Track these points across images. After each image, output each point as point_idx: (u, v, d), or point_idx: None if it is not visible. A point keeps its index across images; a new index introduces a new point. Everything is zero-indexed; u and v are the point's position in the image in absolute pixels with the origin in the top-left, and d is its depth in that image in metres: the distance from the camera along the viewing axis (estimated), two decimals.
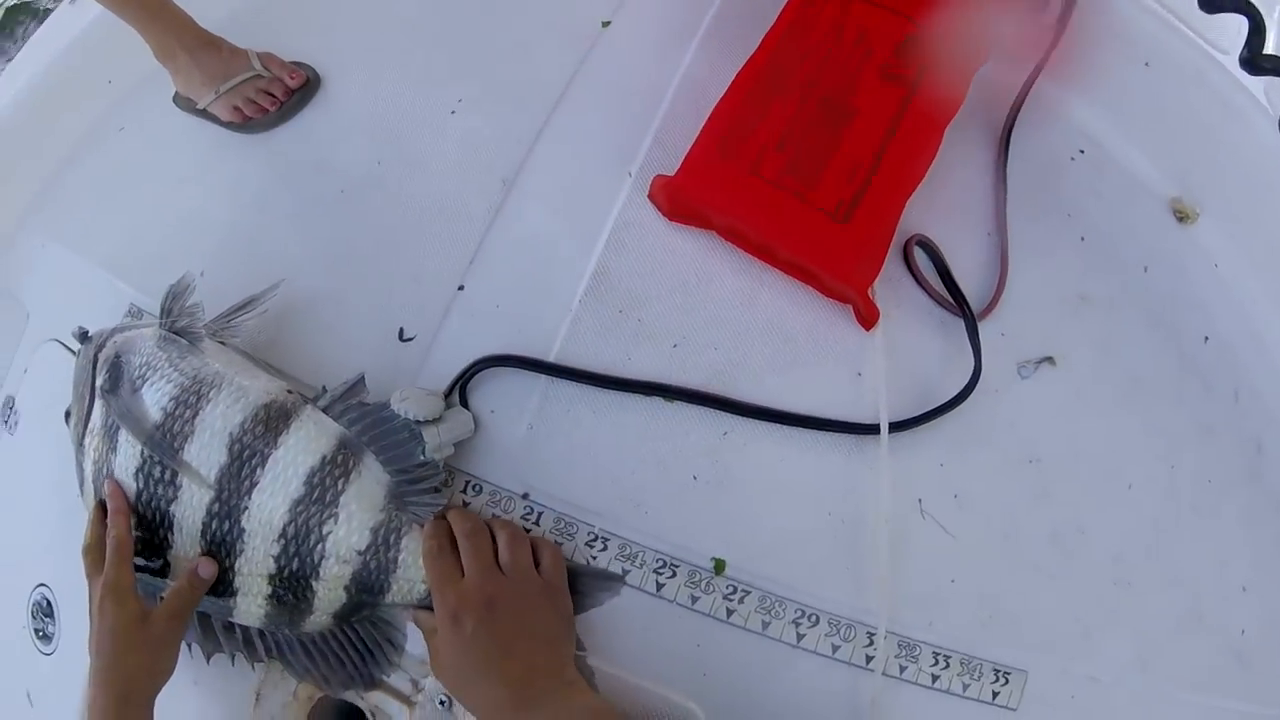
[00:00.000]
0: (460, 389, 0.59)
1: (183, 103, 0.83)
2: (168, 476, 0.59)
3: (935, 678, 0.52)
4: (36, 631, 0.75)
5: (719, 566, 0.54)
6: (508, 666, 0.47)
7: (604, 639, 0.54)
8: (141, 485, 0.60)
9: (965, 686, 0.52)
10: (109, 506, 0.59)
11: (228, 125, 0.80)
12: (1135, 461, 0.60)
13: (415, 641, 0.57)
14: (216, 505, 0.58)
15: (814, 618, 0.53)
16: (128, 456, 0.61)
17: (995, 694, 0.53)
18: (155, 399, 0.61)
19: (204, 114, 0.82)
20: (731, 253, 0.60)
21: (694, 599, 0.54)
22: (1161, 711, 0.54)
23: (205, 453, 0.58)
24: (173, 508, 0.59)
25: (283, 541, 0.57)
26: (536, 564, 0.52)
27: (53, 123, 0.91)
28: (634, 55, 0.69)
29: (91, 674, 0.55)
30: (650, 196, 0.61)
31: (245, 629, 0.61)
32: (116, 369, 0.65)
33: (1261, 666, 0.55)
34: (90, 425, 0.65)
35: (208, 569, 0.57)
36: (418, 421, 0.57)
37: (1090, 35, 0.67)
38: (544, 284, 0.62)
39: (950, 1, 0.59)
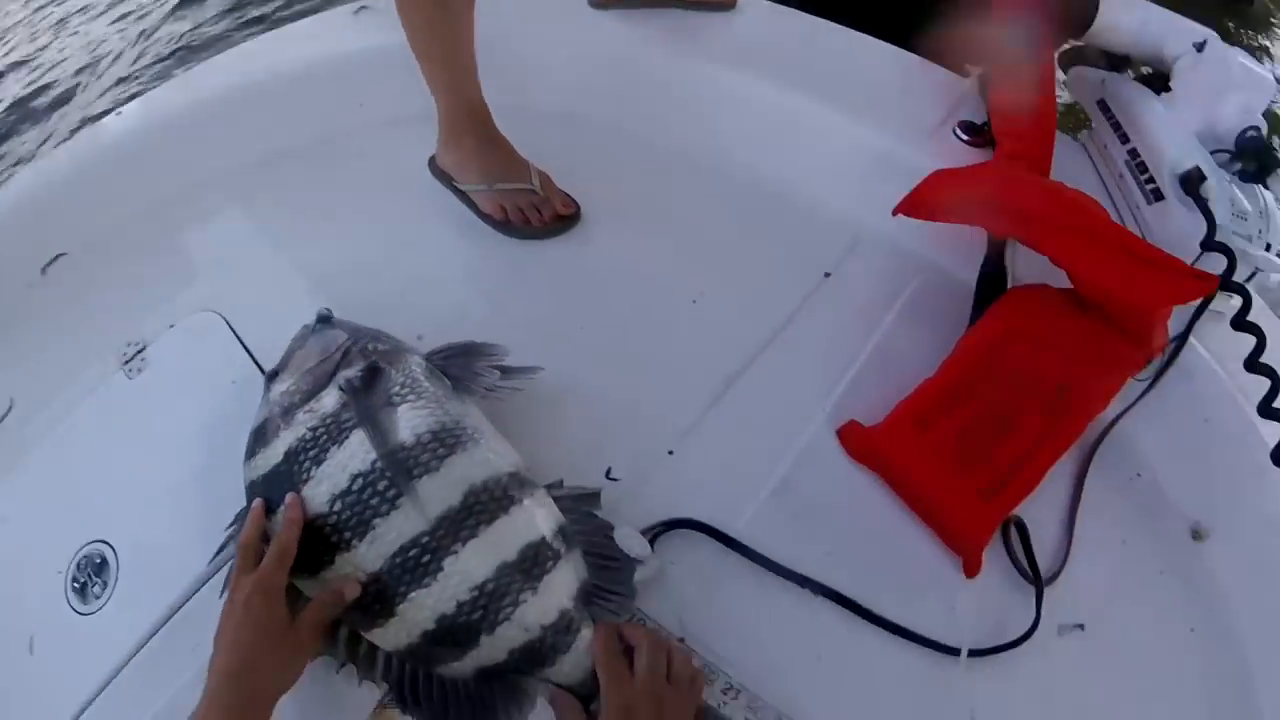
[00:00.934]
0: (652, 537, 0.73)
1: (440, 175, 0.95)
2: (390, 494, 0.63)
3: None
4: (74, 582, 0.79)
5: None
6: None
7: None
8: (355, 489, 0.64)
9: None
10: (286, 515, 0.62)
11: (482, 216, 0.94)
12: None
13: None
14: (426, 539, 0.63)
15: None
16: (353, 457, 0.65)
17: None
18: (410, 422, 0.66)
19: (458, 193, 0.94)
20: (888, 496, 0.80)
21: None
22: None
23: (441, 491, 0.64)
24: (377, 520, 0.63)
25: (476, 593, 0.62)
26: None
27: (297, 117, 1.06)
28: (844, 308, 0.89)
29: (221, 668, 0.56)
30: (839, 433, 0.81)
31: (371, 646, 0.65)
32: (375, 373, 0.70)
33: None
34: (311, 405, 0.69)
35: (353, 591, 0.61)
36: (631, 557, 0.69)
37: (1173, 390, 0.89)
38: (740, 473, 0.78)
39: (1099, 367, 0.80)
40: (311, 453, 0.67)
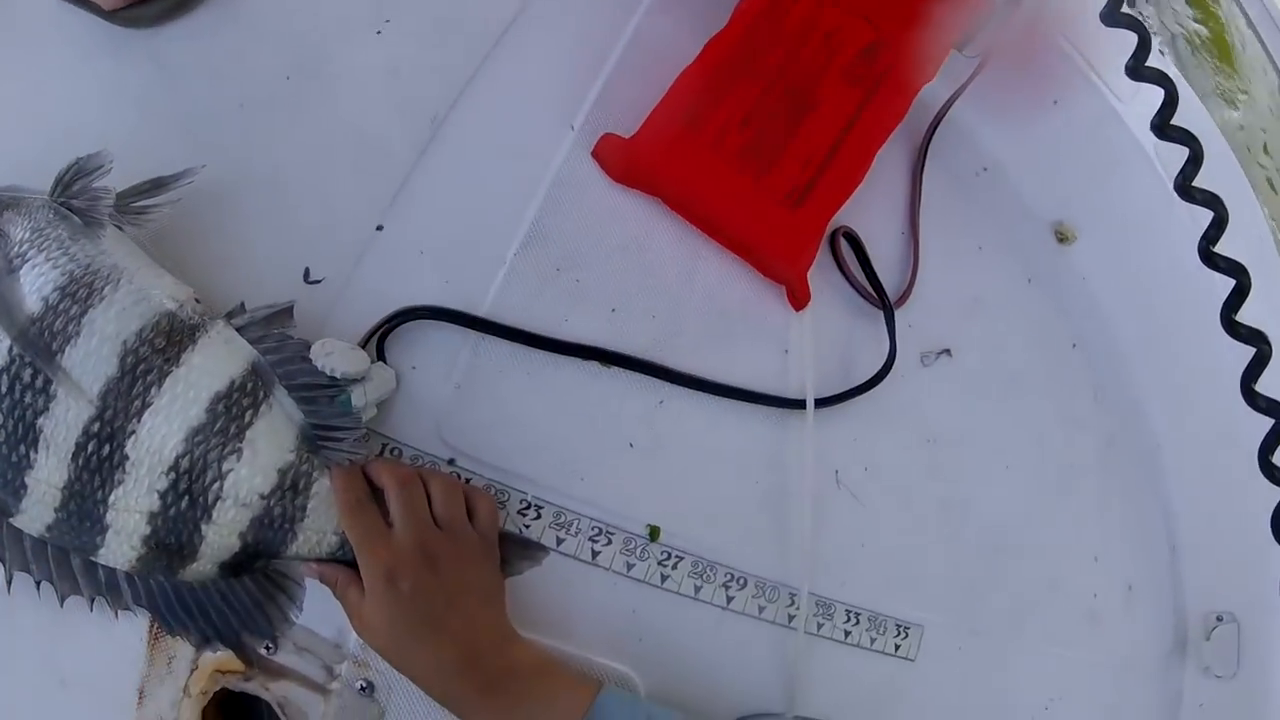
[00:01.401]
0: (378, 341, 0.55)
1: None
2: (39, 383, 0.51)
3: (848, 633, 0.57)
4: None
5: (654, 533, 0.55)
6: (452, 625, 0.46)
7: (540, 609, 0.53)
8: (4, 390, 0.51)
9: (873, 640, 0.58)
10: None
11: (105, 16, 0.68)
12: (1012, 446, 0.69)
13: (326, 623, 0.53)
14: (97, 425, 0.51)
15: (743, 581, 0.55)
16: None
17: (897, 646, 0.58)
18: (36, 285, 0.52)
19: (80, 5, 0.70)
20: (674, 222, 0.60)
21: (629, 566, 0.54)
22: (1030, 663, 0.61)
23: (90, 361, 0.51)
24: (41, 420, 0.51)
25: (173, 475, 0.51)
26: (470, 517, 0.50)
27: None
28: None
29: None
30: (595, 154, 0.60)
31: (111, 571, 0.54)
32: None
33: (1108, 624, 0.65)
34: None
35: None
36: (343, 377, 0.52)
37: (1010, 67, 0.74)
38: (474, 234, 0.59)
39: (913, 20, 0.63)
40: None
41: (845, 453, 0.61)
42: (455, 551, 0.48)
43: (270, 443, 0.51)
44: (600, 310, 0.58)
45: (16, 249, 0.53)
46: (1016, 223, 0.76)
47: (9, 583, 0.53)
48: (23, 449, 0.51)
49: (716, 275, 0.61)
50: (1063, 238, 0.77)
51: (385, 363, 0.55)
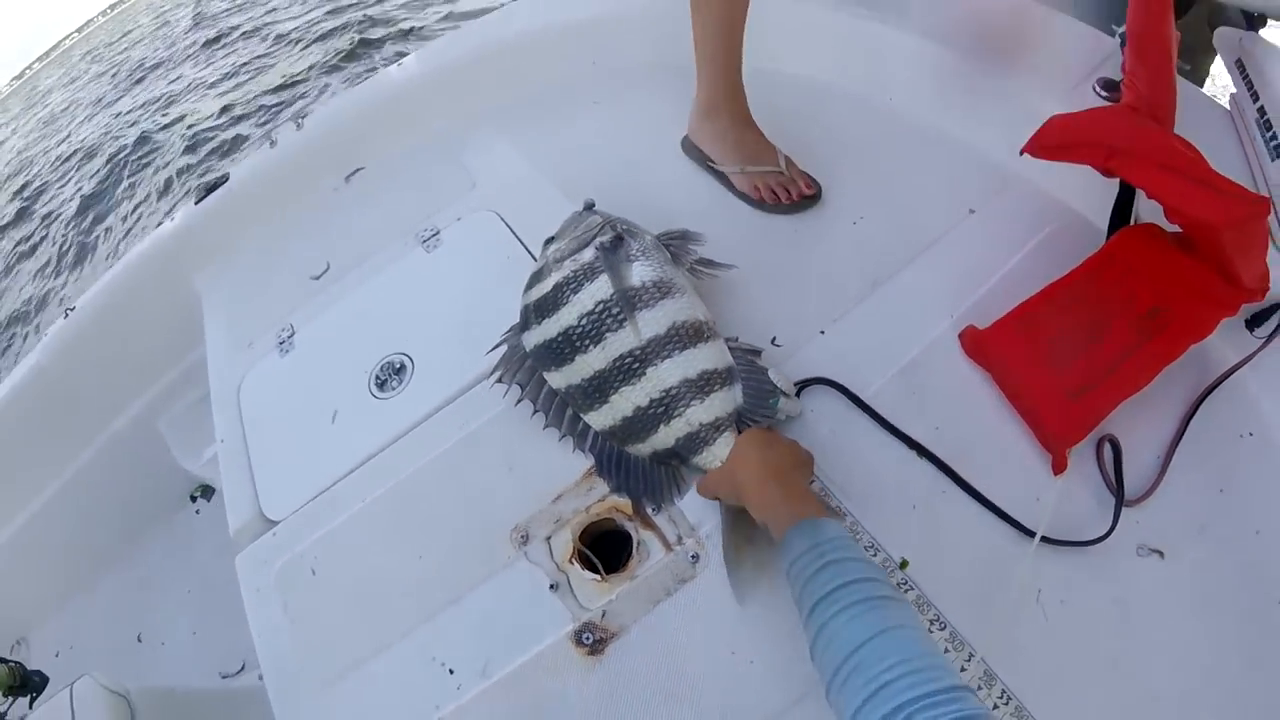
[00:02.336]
0: (800, 387, 0.96)
1: (693, 152, 1.18)
2: (619, 318, 0.93)
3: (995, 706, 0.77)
4: (376, 378, 1.13)
5: (904, 564, 0.87)
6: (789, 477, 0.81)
7: None
8: (596, 311, 0.93)
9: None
10: None
11: (739, 195, 1.14)
12: (1186, 660, 0.79)
13: (692, 512, 0.90)
14: (636, 351, 0.91)
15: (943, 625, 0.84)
16: (599, 289, 0.94)
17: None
18: (640, 273, 0.95)
19: (713, 171, 1.15)
20: (995, 393, 0.94)
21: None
22: None
23: (650, 322, 0.92)
24: (608, 335, 0.93)
25: (661, 394, 0.91)
26: None
27: (536, 60, 1.40)
28: (980, 242, 1.03)
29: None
30: (960, 336, 0.97)
31: (587, 428, 0.95)
32: (619, 240, 0.99)
33: None
34: (575, 257, 0.98)
35: None
36: (778, 389, 0.92)
37: None
38: (874, 354, 0.97)
39: (1191, 297, 0.89)
40: (571, 285, 0.97)
41: (1051, 581, 0.84)
42: (788, 446, 0.86)
43: (719, 404, 0.90)
44: (930, 423, 0.93)
45: (636, 250, 0.97)
46: (1262, 481, 0.89)
47: (517, 402, 0.98)
48: (586, 343, 0.93)
49: (1010, 428, 0.92)
50: None
51: (798, 397, 0.95)
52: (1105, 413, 0.89)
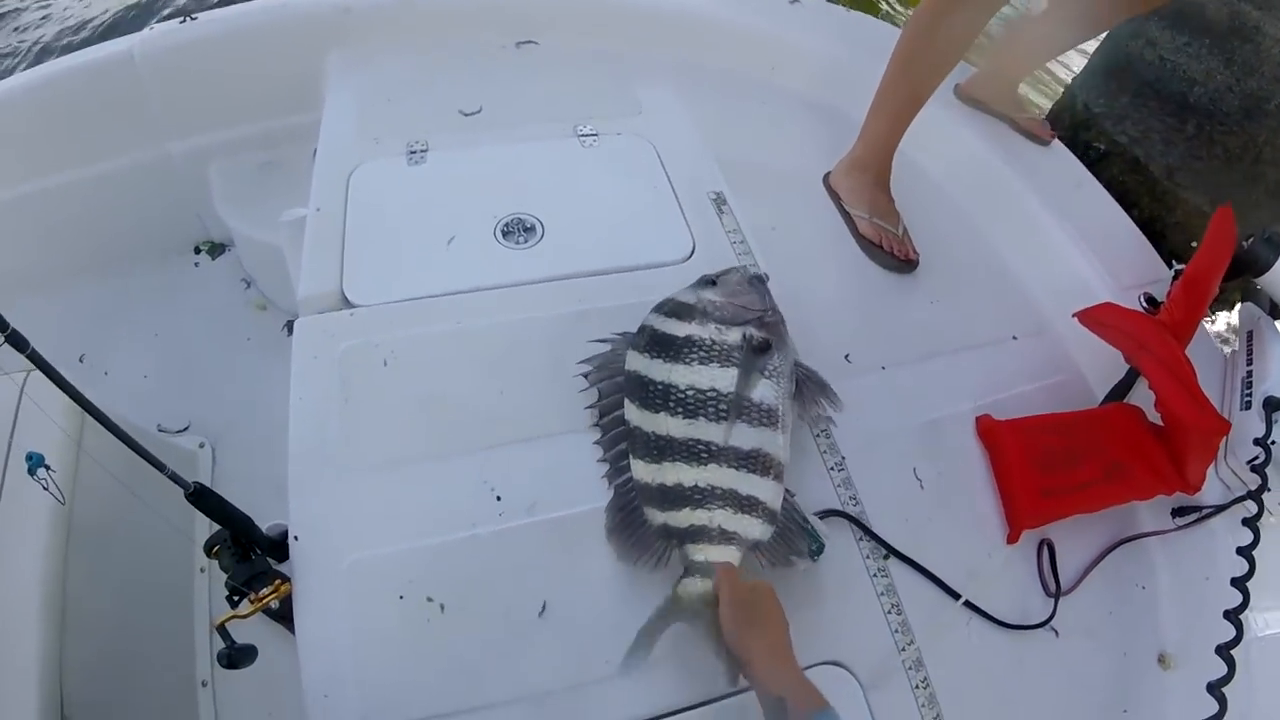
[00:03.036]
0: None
1: (832, 191, 1.38)
2: (721, 413, 0.95)
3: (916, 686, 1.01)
4: (504, 227, 1.17)
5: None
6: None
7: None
8: (706, 393, 0.96)
9: None
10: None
11: (856, 235, 1.34)
12: None
13: None
14: (714, 447, 0.94)
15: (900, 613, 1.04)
16: (722, 379, 0.97)
17: None
18: (763, 392, 0.98)
19: (843, 211, 1.36)
20: (986, 471, 1.17)
21: None
22: None
23: (743, 437, 0.94)
24: (700, 417, 0.95)
25: (710, 488, 0.92)
26: None
27: (732, 43, 1.69)
28: (1009, 362, 1.28)
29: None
30: (978, 419, 1.20)
31: (626, 468, 0.95)
32: (768, 347, 1.00)
33: None
34: (720, 326, 1.00)
35: None
36: (819, 536, 0.95)
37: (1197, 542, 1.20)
38: (915, 405, 1.18)
39: (1142, 474, 1.15)
40: (701, 352, 0.99)
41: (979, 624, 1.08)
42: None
43: (746, 526, 0.92)
44: (934, 471, 1.14)
45: (772, 368, 0.99)
46: (1139, 627, 1.13)
47: (587, 407, 1.00)
48: (678, 409, 0.95)
49: (984, 504, 1.14)
50: (1163, 662, 1.13)
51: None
52: (1058, 516, 1.12)
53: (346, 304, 1.07)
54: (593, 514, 0.94)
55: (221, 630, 0.79)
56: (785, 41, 1.70)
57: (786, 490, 0.96)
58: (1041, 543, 1.15)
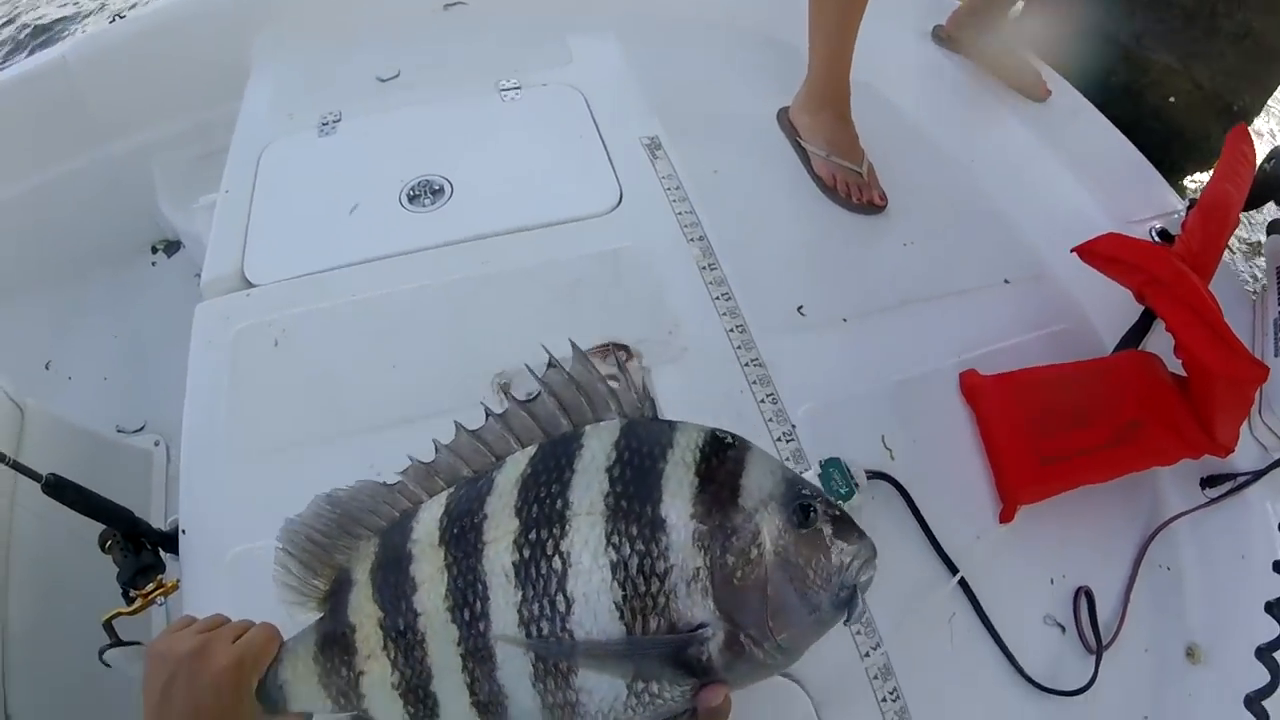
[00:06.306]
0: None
1: (787, 126, 1.23)
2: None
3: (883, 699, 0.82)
4: (411, 191, 1.09)
5: None
6: None
7: None
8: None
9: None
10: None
11: (812, 175, 1.19)
12: None
13: None
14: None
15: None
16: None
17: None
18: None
19: (798, 147, 1.20)
20: (974, 434, 0.99)
21: None
22: None
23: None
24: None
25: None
26: None
27: None
28: (1005, 309, 1.10)
29: None
30: (961, 375, 1.02)
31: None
32: None
33: None
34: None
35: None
36: None
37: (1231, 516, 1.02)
38: (885, 362, 1.01)
39: (1162, 434, 0.96)
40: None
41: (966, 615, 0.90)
42: None
43: None
44: (907, 438, 0.96)
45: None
46: (1164, 616, 0.97)
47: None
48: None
49: (975, 477, 0.96)
50: (1191, 655, 0.97)
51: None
52: (1062, 488, 0.94)
53: (246, 284, 1.03)
54: None
55: (107, 627, 0.76)
56: None
57: None
58: (1078, 591, 0.94)
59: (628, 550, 0.51)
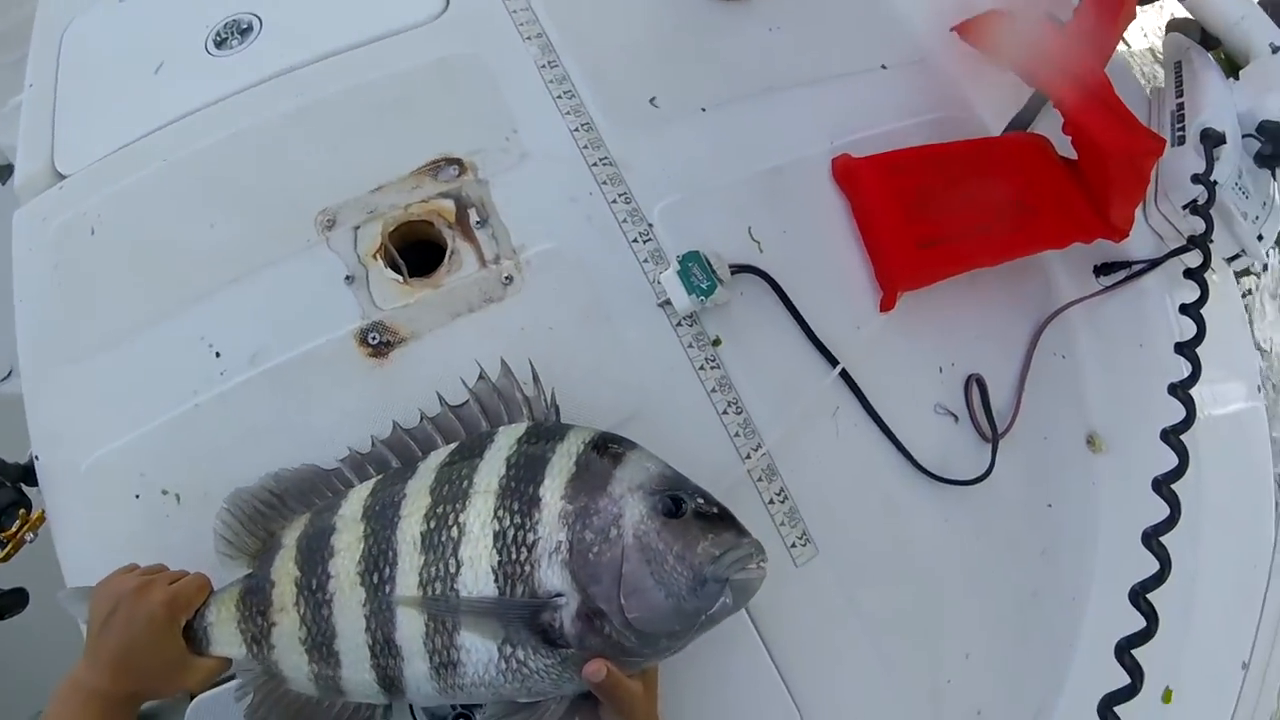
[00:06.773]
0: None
1: None
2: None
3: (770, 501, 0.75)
4: (216, 36, 0.96)
5: (716, 341, 0.79)
6: None
7: None
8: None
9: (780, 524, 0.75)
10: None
11: None
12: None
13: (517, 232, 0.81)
14: None
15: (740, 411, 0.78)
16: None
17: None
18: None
19: None
20: (849, 222, 0.89)
21: None
22: None
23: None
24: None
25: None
26: None
27: None
28: (879, 94, 0.99)
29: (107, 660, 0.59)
30: (834, 160, 0.90)
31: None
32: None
33: None
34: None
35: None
36: None
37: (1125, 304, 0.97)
38: (749, 150, 0.90)
39: (1053, 216, 0.89)
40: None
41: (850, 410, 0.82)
42: None
43: None
44: (777, 228, 0.86)
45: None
46: (1063, 408, 0.93)
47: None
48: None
49: (853, 266, 0.87)
50: (1092, 443, 0.93)
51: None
52: (946, 273, 0.85)
53: (58, 178, 0.94)
54: (321, 348, 0.78)
55: None
56: None
57: None
58: (970, 379, 0.87)
59: (508, 522, 0.58)
